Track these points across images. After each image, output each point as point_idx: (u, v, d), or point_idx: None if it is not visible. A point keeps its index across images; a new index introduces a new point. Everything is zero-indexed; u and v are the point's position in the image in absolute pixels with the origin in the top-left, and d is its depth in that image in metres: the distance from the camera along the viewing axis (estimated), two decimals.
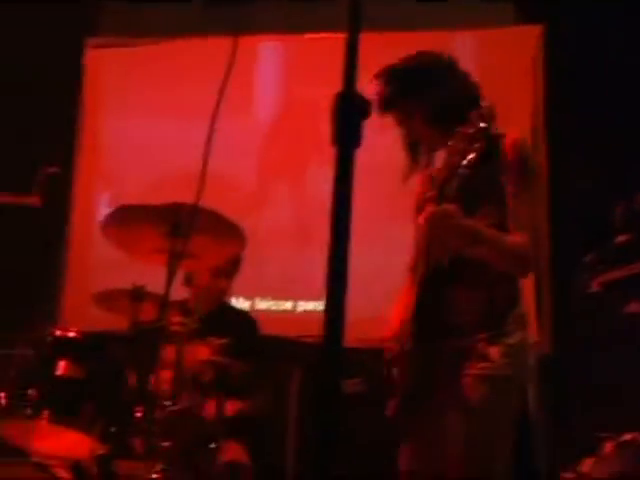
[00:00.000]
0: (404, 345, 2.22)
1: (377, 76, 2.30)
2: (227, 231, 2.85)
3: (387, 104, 2.29)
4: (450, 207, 2.10)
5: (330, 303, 1.22)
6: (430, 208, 2.15)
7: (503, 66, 4.22)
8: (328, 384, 1.20)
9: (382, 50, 2.50)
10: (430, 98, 2.26)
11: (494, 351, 2.15)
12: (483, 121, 2.00)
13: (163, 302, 2.37)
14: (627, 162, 3.86)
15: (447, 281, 2.20)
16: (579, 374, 3.73)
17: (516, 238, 2.15)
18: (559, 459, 3.28)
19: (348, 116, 1.27)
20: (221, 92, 1.82)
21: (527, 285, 4.11)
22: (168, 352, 2.89)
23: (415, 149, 2.36)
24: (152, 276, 2.68)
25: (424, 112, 2.28)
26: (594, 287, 3.06)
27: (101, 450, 2.61)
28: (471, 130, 2.00)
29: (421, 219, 2.14)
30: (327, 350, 1.21)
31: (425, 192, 2.34)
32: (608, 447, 2.69)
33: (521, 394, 2.22)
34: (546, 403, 4.02)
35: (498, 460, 2.16)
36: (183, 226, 2.65)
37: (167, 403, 2.71)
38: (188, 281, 3.56)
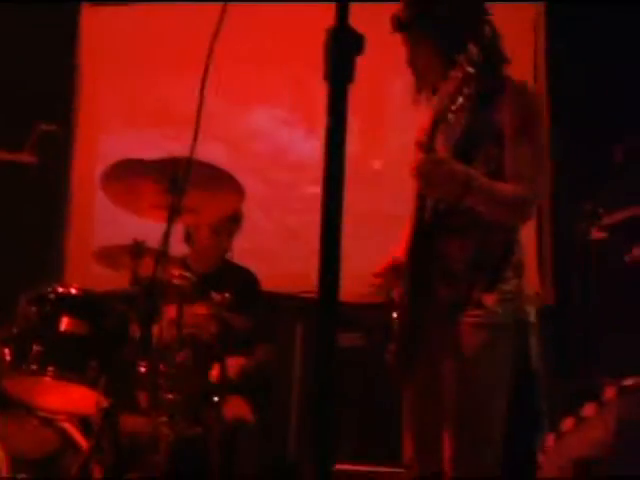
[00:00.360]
0: (401, 292, 2.22)
1: None
2: (226, 185, 2.83)
3: (401, 25, 2.26)
4: (439, 154, 2.08)
5: (325, 255, 1.22)
6: (419, 156, 2.11)
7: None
8: (324, 338, 1.20)
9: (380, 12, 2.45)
10: (439, 25, 2.20)
11: (489, 298, 2.14)
12: (471, 65, 1.96)
13: (161, 256, 2.36)
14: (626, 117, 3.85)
15: (440, 229, 2.18)
16: (581, 324, 3.74)
17: (513, 187, 2.11)
18: (561, 406, 3.30)
19: (341, 51, 1.26)
20: (210, 52, 1.83)
21: (528, 236, 4.13)
22: (169, 306, 2.90)
23: (420, 77, 2.31)
24: (154, 233, 2.68)
25: (431, 39, 2.23)
26: (594, 234, 3.05)
27: (106, 404, 2.63)
28: (459, 74, 1.97)
29: (410, 168, 2.10)
30: (322, 304, 1.20)
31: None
32: (609, 392, 2.70)
33: (519, 341, 2.22)
34: (547, 353, 4.04)
35: (494, 408, 2.17)
36: (181, 180, 2.64)
37: (170, 357, 2.72)
38: (188, 238, 3.56)
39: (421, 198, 2.18)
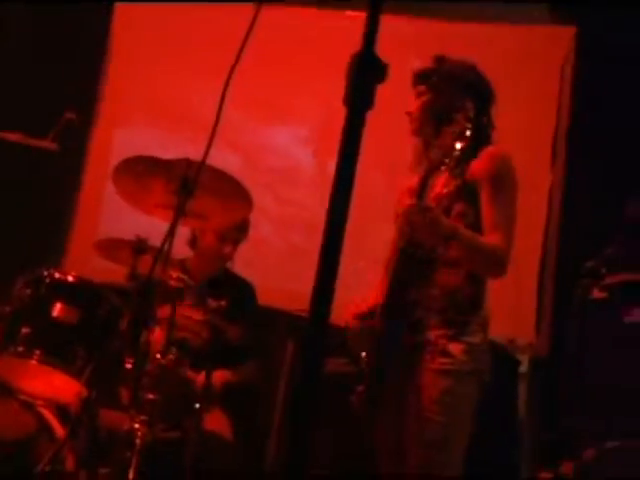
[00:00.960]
0: (374, 333, 2.31)
1: (434, 56, 2.46)
2: (235, 194, 2.84)
3: (421, 77, 2.44)
4: (427, 203, 2.18)
5: (321, 274, 1.21)
6: (408, 200, 2.23)
7: (533, 63, 4.18)
8: (311, 360, 1.20)
9: (417, 35, 2.51)
10: (449, 97, 2.36)
11: (455, 348, 2.26)
12: (468, 122, 2.12)
13: (160, 254, 2.36)
14: None
15: (414, 278, 2.29)
16: (572, 379, 3.72)
17: (492, 239, 2.25)
18: (541, 460, 3.29)
19: (363, 77, 1.26)
20: (238, 56, 1.85)
21: (529, 287, 4.15)
22: (163, 308, 2.90)
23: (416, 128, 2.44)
24: (160, 233, 2.68)
25: (434, 100, 2.40)
26: (595, 293, 3.05)
27: (87, 395, 2.63)
28: (456, 129, 2.11)
29: (398, 210, 2.25)
30: (313, 325, 1.20)
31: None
32: (588, 453, 2.70)
33: (481, 392, 2.33)
34: (534, 405, 4.03)
35: (450, 452, 2.27)
36: (191, 183, 2.65)
37: (157, 357, 2.71)
38: (193, 242, 3.56)
39: (401, 248, 2.29)
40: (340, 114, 1.28)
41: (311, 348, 1.20)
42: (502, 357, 4.10)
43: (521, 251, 4.09)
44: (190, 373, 3.01)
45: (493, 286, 3.94)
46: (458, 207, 2.30)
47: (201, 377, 2.94)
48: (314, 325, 1.20)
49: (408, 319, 2.29)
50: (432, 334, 2.28)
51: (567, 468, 2.64)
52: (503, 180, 2.30)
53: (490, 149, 2.32)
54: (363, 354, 2.34)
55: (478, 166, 2.28)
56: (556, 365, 3.90)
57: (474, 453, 3.85)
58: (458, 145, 2.10)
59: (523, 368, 4.21)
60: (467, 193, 2.27)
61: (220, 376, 3.18)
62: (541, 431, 3.85)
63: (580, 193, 4.06)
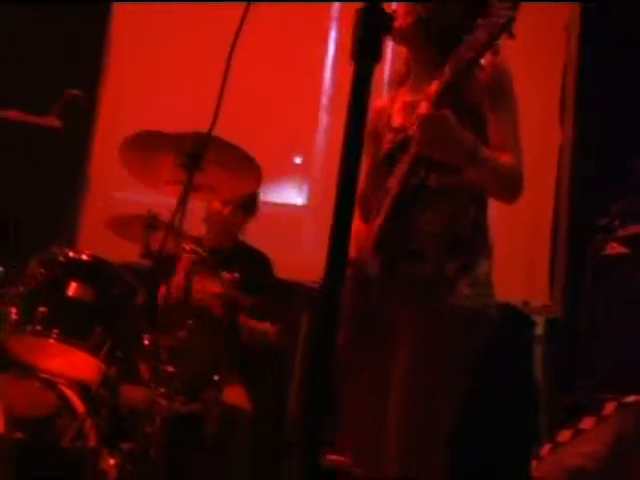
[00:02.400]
0: (368, 269, 2.08)
1: None
2: (245, 166, 2.82)
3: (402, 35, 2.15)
4: (449, 113, 1.92)
5: (334, 245, 1.19)
6: (425, 109, 1.92)
7: (537, 34, 4.14)
8: (323, 332, 1.17)
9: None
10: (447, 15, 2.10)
11: (457, 282, 2.01)
12: (513, 7, 1.85)
13: (171, 227, 2.35)
14: None
15: (415, 203, 2.05)
16: (588, 338, 3.71)
17: (507, 159, 2.01)
18: (560, 418, 3.28)
19: (369, 30, 1.24)
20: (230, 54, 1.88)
21: (542, 248, 4.14)
22: (178, 279, 2.90)
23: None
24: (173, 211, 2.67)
25: (434, 23, 2.11)
26: (610, 249, 3.03)
27: (107, 372, 2.64)
28: (501, 20, 1.84)
29: (420, 139, 1.93)
30: (326, 292, 1.18)
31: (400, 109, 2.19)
32: (609, 407, 2.68)
33: (488, 328, 2.07)
34: (551, 365, 4.02)
35: (447, 402, 2.02)
36: (200, 156, 2.63)
37: (174, 331, 2.72)
38: (207, 218, 3.55)
39: (415, 163, 2.02)
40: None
41: (325, 318, 1.18)
42: (518, 318, 4.10)
43: (533, 211, 4.14)
44: (208, 342, 3.01)
45: (504, 245, 3.96)
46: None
47: (219, 345, 2.93)
48: (327, 297, 1.18)
49: (404, 249, 2.04)
50: (431, 264, 2.03)
51: (588, 423, 2.63)
52: (504, 90, 2.07)
53: (489, 59, 2.02)
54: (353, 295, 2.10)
55: (483, 78, 2.03)
56: (572, 325, 3.90)
57: (492, 418, 3.89)
58: (487, 39, 1.83)
59: (538, 330, 4.20)
60: (467, 106, 2.03)
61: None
62: (558, 393, 3.85)
63: (590, 149, 4.03)
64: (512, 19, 1.84)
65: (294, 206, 4.47)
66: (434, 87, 1.97)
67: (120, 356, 2.69)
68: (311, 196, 4.45)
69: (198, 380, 2.92)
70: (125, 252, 3.01)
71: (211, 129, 2.34)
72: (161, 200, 2.94)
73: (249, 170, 2.82)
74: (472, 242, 2.07)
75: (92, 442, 2.62)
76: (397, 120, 2.19)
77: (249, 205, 3.50)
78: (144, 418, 2.63)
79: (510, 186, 2.04)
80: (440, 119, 1.91)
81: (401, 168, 2.05)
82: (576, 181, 4.06)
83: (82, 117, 3.74)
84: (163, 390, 2.61)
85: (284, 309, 3.63)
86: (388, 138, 2.20)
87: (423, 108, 1.95)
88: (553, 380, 3.99)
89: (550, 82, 4.18)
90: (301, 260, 4.18)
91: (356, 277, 2.09)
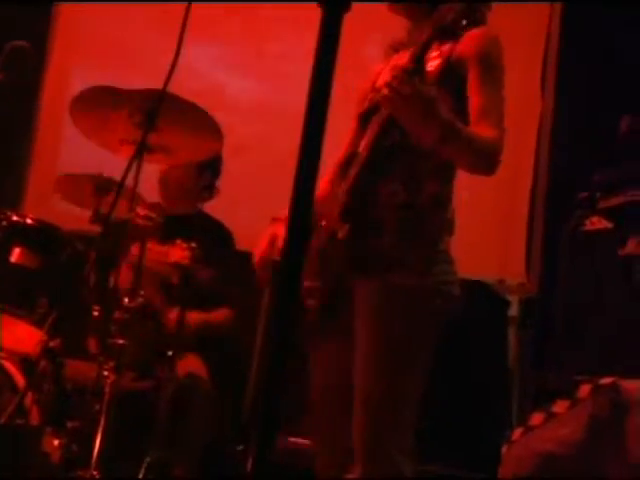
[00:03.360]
0: (332, 236, 2.04)
1: None
2: (204, 127, 2.78)
3: None
4: (432, 90, 1.90)
5: (295, 205, 1.15)
6: (405, 85, 1.87)
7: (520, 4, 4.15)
8: (284, 300, 1.13)
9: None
10: None
11: (415, 257, 2.01)
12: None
13: (122, 189, 2.30)
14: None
15: (380, 171, 2.04)
16: (563, 318, 3.73)
17: (483, 129, 1.99)
18: (533, 400, 3.29)
19: None
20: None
21: (518, 223, 4.14)
22: (132, 249, 2.85)
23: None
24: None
25: None
26: (589, 224, 3.03)
27: (51, 344, 2.59)
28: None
29: (389, 95, 1.89)
30: (287, 261, 1.14)
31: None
32: (584, 390, 2.69)
33: (446, 312, 2.05)
34: (525, 349, 4.04)
35: (409, 383, 2.01)
36: (156, 115, 2.58)
37: (126, 301, 2.67)
38: (162, 182, 3.48)
39: (387, 125, 2.00)
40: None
41: (284, 292, 1.14)
42: (490, 298, 4.10)
43: (509, 183, 4.14)
44: (163, 315, 2.97)
45: (479, 221, 3.98)
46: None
47: (173, 319, 2.90)
48: (288, 269, 1.14)
49: (366, 220, 2.03)
50: (387, 239, 2.01)
51: (561, 407, 2.63)
52: (493, 62, 2.06)
53: (480, 29, 2.06)
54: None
55: (465, 45, 2.04)
56: (547, 305, 3.91)
57: (461, 402, 3.91)
58: (451, 17, 1.88)
59: (512, 311, 4.22)
60: (449, 77, 2.03)
61: (194, 317, 3.14)
62: (531, 373, 3.87)
63: (571, 119, 4.03)
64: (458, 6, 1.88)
65: None
66: (402, 59, 1.99)
67: (66, 328, 2.64)
68: None
69: (150, 355, 2.88)
70: (74, 217, 2.95)
71: (166, 85, 2.30)
72: (116, 164, 2.88)
73: (209, 130, 2.78)
74: (432, 217, 2.06)
75: (34, 420, 2.57)
76: (381, 80, 2.15)
77: (208, 165, 3.43)
78: (91, 394, 2.59)
79: (486, 161, 2.02)
80: (425, 96, 1.88)
81: (372, 129, 2.04)
82: (555, 152, 4.06)
83: (29, 71, 3.64)
84: (112, 364, 2.56)
85: (245, 282, 3.60)
86: (368, 97, 2.18)
87: (403, 64, 1.92)
88: (527, 364, 4.01)
89: (532, 50, 4.17)
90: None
91: (322, 242, 2.07)
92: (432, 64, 2.02)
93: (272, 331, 1.14)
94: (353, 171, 2.05)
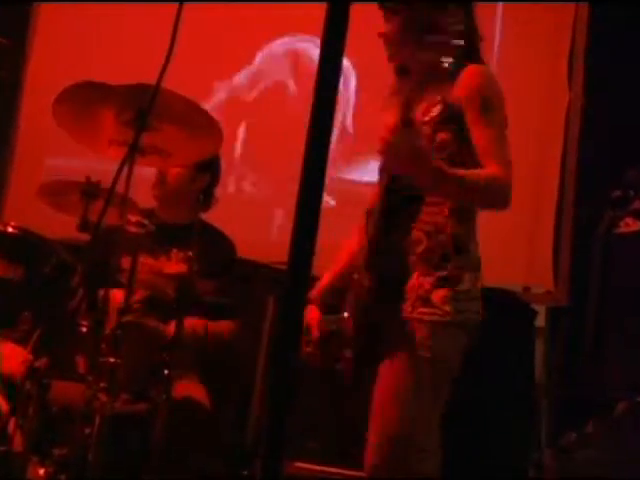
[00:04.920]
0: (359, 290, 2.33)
1: None
2: (202, 125, 2.77)
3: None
4: (422, 141, 2.14)
5: (300, 222, 1.19)
6: (391, 122, 2.12)
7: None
8: (290, 315, 1.17)
9: None
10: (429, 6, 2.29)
11: (438, 295, 2.26)
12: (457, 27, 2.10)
13: (111, 196, 2.28)
14: None
15: (398, 220, 2.30)
16: (595, 329, 3.72)
17: (492, 170, 2.20)
18: (564, 419, 3.28)
19: None
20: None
21: (545, 227, 4.13)
22: (123, 260, 2.84)
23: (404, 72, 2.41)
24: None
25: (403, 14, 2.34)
26: (623, 227, 3.02)
27: (36, 364, 2.58)
28: (443, 39, 2.10)
29: (383, 149, 2.16)
30: (292, 278, 1.18)
31: None
32: (620, 408, 2.68)
33: (466, 348, 2.32)
34: (554, 361, 4.02)
35: (423, 414, 2.26)
36: (149, 113, 2.57)
37: (118, 317, 2.66)
38: (158, 185, 3.46)
39: (384, 186, 2.29)
40: None
41: (291, 305, 1.17)
42: (516, 307, 4.08)
43: (536, 183, 4.13)
44: (158, 331, 2.96)
45: (504, 226, 3.96)
46: (441, 136, 2.27)
47: (169, 330, 2.89)
48: (294, 278, 1.18)
49: (393, 269, 2.31)
50: (416, 280, 2.28)
51: (595, 426, 2.62)
52: (491, 99, 2.28)
53: (472, 66, 2.28)
54: (345, 314, 2.39)
55: (461, 87, 2.25)
56: (578, 315, 3.90)
57: (485, 419, 3.88)
58: (445, 60, 2.09)
59: (539, 321, 4.20)
60: (451, 119, 2.25)
61: (194, 322, 3.13)
62: (562, 389, 3.86)
63: (600, 115, 4.03)
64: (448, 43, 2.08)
65: None
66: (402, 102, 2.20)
67: (52, 346, 2.63)
68: None
69: (145, 375, 2.87)
70: (59, 225, 2.95)
71: (160, 79, 2.29)
72: (102, 167, 2.88)
73: (207, 128, 2.77)
74: (455, 260, 2.29)
75: (18, 446, 2.56)
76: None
77: (207, 166, 3.42)
78: (80, 418, 2.58)
79: (494, 198, 2.25)
80: (409, 137, 2.11)
81: (381, 183, 2.34)
82: (585, 148, 4.05)
83: (9, 68, 3.66)
84: (103, 385, 2.55)
85: (247, 294, 3.60)
86: None
87: (390, 121, 2.15)
88: (556, 379, 4.00)
89: (559, 40, 4.20)
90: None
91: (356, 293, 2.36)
92: (434, 110, 2.24)
93: (277, 350, 1.17)
94: (371, 223, 2.32)
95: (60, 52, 4.57)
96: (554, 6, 4.20)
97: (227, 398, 3.35)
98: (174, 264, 2.90)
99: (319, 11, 1.26)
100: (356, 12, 1.26)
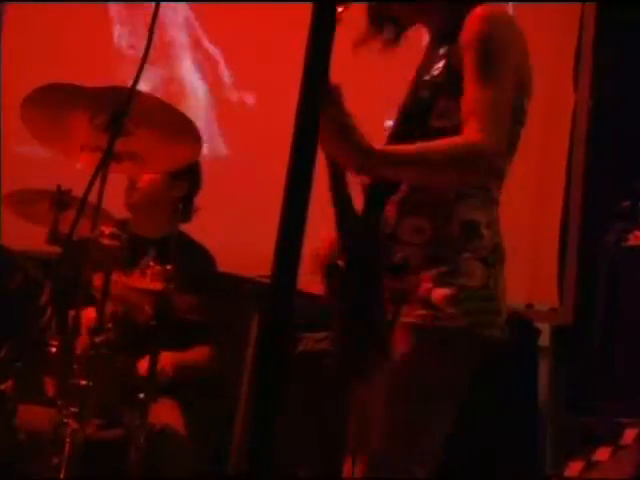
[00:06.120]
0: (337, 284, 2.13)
1: None
2: (180, 130, 2.78)
3: None
4: (346, 118, 1.94)
5: (284, 232, 1.17)
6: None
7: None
8: (275, 337, 1.15)
9: None
10: None
11: (439, 294, 1.99)
12: None
13: (84, 205, 2.29)
14: None
15: (396, 207, 2.09)
16: (602, 350, 3.73)
17: (470, 136, 1.94)
18: (569, 446, 3.29)
19: None
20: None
21: (550, 239, 4.14)
22: (96, 275, 2.84)
23: (381, 20, 2.21)
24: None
25: None
26: (633, 239, 3.03)
27: (1, 387, 2.58)
28: None
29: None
30: (276, 292, 1.16)
31: None
32: (629, 435, 2.69)
33: (477, 358, 2.07)
34: (559, 382, 4.03)
35: (423, 443, 2.04)
36: (124, 117, 2.58)
37: (90, 337, 2.66)
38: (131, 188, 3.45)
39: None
40: None
41: (275, 321, 1.16)
42: (518, 326, 4.09)
43: (539, 192, 4.14)
44: (132, 353, 2.96)
45: (505, 237, 3.96)
46: (442, 102, 2.02)
47: (145, 361, 2.88)
48: (278, 293, 1.16)
49: (387, 261, 2.05)
50: (415, 277, 2.02)
51: (603, 454, 2.63)
52: (492, 44, 1.98)
53: (478, 9, 2.00)
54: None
55: (466, 32, 1.99)
56: (584, 335, 3.91)
57: (485, 444, 3.88)
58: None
59: (543, 341, 4.21)
60: (453, 80, 2.00)
61: (169, 359, 3.13)
62: (567, 414, 3.87)
63: (608, 121, 4.05)
64: None
65: None
66: None
67: (18, 367, 2.63)
68: None
69: (118, 399, 2.87)
70: (27, 237, 2.96)
71: (136, 81, 2.30)
72: (76, 174, 2.88)
73: (186, 134, 2.78)
74: (465, 248, 2.03)
75: None
76: None
77: (185, 173, 3.42)
78: (49, 446, 2.57)
79: (455, 170, 1.99)
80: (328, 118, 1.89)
81: None
82: (591, 156, 4.07)
83: None
84: (74, 410, 2.55)
85: (229, 309, 3.60)
86: None
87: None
88: (561, 403, 4.01)
89: (565, 40, 4.25)
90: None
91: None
92: (436, 68, 2.05)
93: (261, 368, 1.15)
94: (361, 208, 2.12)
95: (29, 53, 4.57)
96: (562, 6, 4.24)
97: (206, 422, 3.34)
98: (150, 280, 2.88)
99: None
100: None
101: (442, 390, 2.03)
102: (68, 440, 2.53)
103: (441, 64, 2.03)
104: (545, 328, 4.18)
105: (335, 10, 1.22)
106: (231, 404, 3.83)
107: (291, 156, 1.18)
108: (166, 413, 3.10)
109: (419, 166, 1.99)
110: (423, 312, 1.98)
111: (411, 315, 2.00)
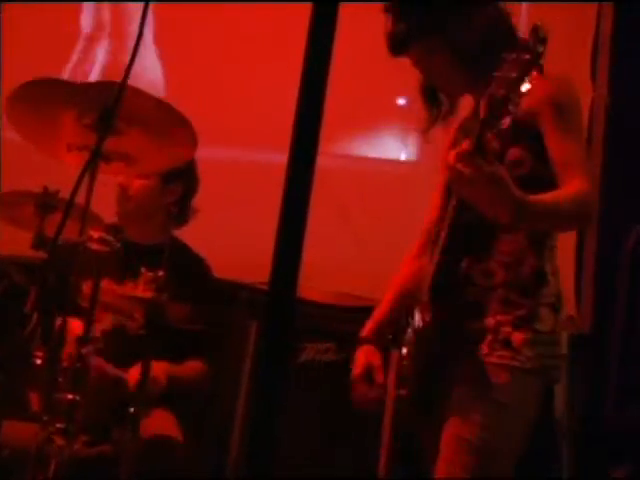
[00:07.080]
0: (419, 323, 2.34)
1: (387, 10, 2.40)
2: (175, 128, 2.77)
3: (401, 44, 2.40)
4: (501, 170, 2.09)
5: (283, 237, 1.20)
6: (467, 166, 2.07)
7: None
8: (274, 348, 1.18)
9: None
10: (455, 32, 2.35)
11: (520, 338, 2.26)
12: (540, 43, 2.02)
13: (70, 207, 2.28)
14: None
15: (466, 249, 2.32)
16: (621, 359, 3.73)
17: (573, 186, 2.19)
18: (590, 463, 3.28)
19: None
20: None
21: (566, 244, 4.13)
22: (84, 282, 2.84)
23: (433, 96, 2.50)
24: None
25: (447, 49, 2.36)
26: None
27: None
28: (527, 56, 2.02)
29: (452, 177, 2.13)
30: (274, 300, 1.20)
31: (453, 145, 2.38)
32: None
33: (545, 394, 2.33)
34: (577, 395, 4.03)
35: (496, 470, 2.28)
36: (114, 115, 2.57)
37: (77, 347, 2.66)
38: (123, 194, 3.45)
39: (456, 210, 2.28)
40: None
41: (275, 331, 1.18)
42: None
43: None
44: (122, 365, 2.96)
45: None
46: (513, 152, 2.28)
47: (135, 372, 2.88)
48: (277, 301, 1.19)
49: (460, 301, 2.32)
50: (493, 319, 2.30)
51: (623, 472, 2.62)
52: (567, 107, 2.29)
53: (550, 73, 2.21)
54: (404, 350, 2.39)
55: (533, 97, 2.18)
56: (602, 344, 3.90)
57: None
58: (517, 75, 2.02)
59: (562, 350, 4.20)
60: (521, 133, 2.24)
61: (162, 368, 3.13)
62: (585, 431, 3.86)
63: (628, 119, 4.06)
64: (540, 55, 2.02)
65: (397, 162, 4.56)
66: (472, 123, 2.29)
67: (1, 380, 2.62)
68: (418, 150, 4.49)
69: (107, 413, 2.87)
70: (11, 241, 2.96)
71: (126, 77, 2.29)
72: (63, 175, 2.88)
73: (180, 133, 2.77)
74: (535, 294, 2.31)
75: None
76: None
77: (179, 175, 3.42)
78: (34, 463, 2.57)
79: (578, 219, 2.30)
80: (490, 178, 2.05)
81: (450, 207, 2.31)
82: (610, 156, 4.07)
83: None
84: (60, 425, 2.54)
85: (226, 320, 3.60)
86: None
87: (464, 145, 2.09)
88: (578, 416, 4.00)
89: (582, 37, 4.31)
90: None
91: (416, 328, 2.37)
92: (503, 123, 2.15)
93: (261, 379, 1.17)
94: (436, 252, 2.32)
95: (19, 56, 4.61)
96: (577, 5, 4.29)
97: (202, 432, 3.35)
98: (142, 288, 2.89)
99: None
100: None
101: (521, 422, 2.31)
102: (53, 458, 2.53)
103: (508, 120, 2.13)
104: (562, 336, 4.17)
105: (335, 10, 1.23)
106: (228, 412, 3.84)
107: (290, 158, 1.20)
108: (159, 423, 3.10)
109: (553, 216, 2.24)
110: (504, 353, 2.26)
111: (494, 355, 2.27)
